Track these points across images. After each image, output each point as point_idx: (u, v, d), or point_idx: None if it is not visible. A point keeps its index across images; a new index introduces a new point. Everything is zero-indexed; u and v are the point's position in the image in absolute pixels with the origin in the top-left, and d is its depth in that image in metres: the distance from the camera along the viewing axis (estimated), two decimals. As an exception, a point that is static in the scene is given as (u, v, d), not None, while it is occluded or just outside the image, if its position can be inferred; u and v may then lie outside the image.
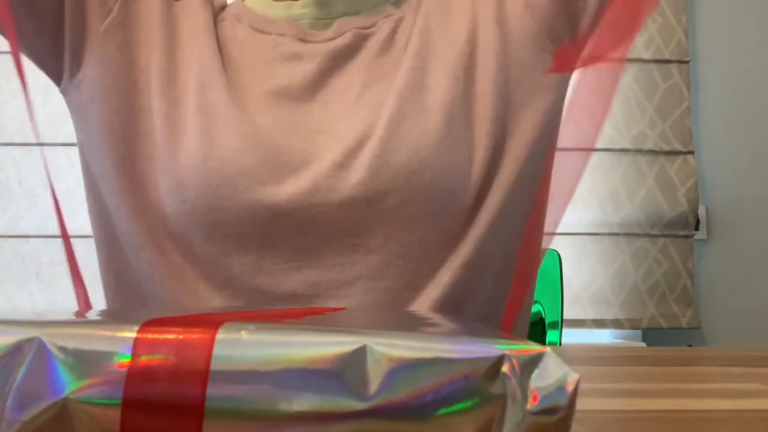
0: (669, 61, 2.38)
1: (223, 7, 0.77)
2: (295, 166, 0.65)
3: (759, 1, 2.45)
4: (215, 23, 0.73)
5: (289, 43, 0.72)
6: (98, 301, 0.75)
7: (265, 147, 0.65)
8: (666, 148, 2.36)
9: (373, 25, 0.73)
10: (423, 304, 0.66)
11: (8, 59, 2.09)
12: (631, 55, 2.36)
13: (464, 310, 0.68)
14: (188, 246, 0.66)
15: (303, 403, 0.22)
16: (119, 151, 0.68)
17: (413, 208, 0.65)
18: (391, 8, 0.75)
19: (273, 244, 0.65)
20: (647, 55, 2.37)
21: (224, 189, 0.64)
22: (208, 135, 0.66)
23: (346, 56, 0.71)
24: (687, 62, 2.39)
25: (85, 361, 0.22)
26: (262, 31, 0.73)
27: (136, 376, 0.22)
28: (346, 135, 0.67)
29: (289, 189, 0.64)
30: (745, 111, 2.43)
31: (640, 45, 2.37)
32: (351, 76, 0.70)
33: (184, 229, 0.65)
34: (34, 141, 2.31)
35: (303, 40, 0.72)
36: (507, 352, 0.22)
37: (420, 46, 0.71)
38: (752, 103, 2.43)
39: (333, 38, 0.72)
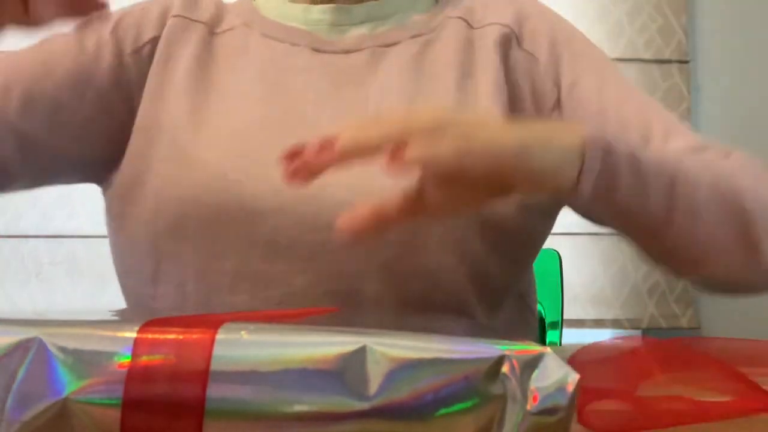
0: (669, 61, 2.39)
1: (220, 13, 0.73)
2: (297, 193, 0.62)
3: (759, 2, 2.45)
4: (211, 34, 0.71)
5: (302, 53, 0.69)
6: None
7: (263, 165, 0.62)
8: (666, 148, 2.36)
9: (396, 43, 0.70)
10: None
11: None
12: (631, 55, 2.36)
13: None
14: (179, 287, 0.64)
15: (303, 403, 0.22)
16: (125, 207, 0.67)
17: (416, 262, 0.62)
18: (418, 20, 0.71)
19: (266, 284, 0.62)
20: (647, 55, 2.37)
21: (218, 218, 0.62)
22: (180, 170, 0.64)
23: (361, 72, 0.68)
24: (687, 62, 2.39)
25: (85, 361, 0.22)
26: (273, 38, 0.70)
27: (136, 376, 0.22)
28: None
29: (288, 222, 0.62)
30: (745, 111, 2.43)
31: (640, 45, 2.37)
32: (366, 92, 0.67)
33: (174, 267, 0.64)
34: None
35: (317, 50, 0.69)
36: (507, 353, 0.22)
37: (490, 87, 0.67)
38: (752, 103, 2.43)
39: (348, 51, 0.69)
